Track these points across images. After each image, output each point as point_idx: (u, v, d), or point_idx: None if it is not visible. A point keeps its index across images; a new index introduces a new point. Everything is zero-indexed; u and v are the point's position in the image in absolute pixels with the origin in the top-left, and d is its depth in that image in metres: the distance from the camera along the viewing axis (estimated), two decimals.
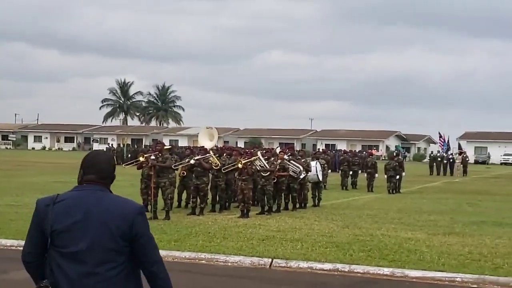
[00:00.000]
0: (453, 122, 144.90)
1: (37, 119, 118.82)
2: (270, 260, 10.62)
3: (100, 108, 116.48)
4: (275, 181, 17.50)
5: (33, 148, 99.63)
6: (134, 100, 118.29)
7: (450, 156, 47.88)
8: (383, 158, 65.91)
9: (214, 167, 17.37)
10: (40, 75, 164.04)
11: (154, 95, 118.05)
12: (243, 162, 16.39)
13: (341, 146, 75.72)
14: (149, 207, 16.10)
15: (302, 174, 18.80)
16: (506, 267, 10.39)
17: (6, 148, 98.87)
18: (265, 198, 17.42)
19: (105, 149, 56.38)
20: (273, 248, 11.59)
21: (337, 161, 38.82)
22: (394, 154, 30.18)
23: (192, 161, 16.87)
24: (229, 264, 10.59)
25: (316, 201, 20.24)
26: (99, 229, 3.29)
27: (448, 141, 48.97)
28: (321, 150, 37.85)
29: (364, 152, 44.87)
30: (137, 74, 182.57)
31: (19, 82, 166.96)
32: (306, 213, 17.91)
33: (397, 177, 26.86)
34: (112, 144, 66.42)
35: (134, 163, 17.64)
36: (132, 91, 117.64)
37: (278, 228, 14.21)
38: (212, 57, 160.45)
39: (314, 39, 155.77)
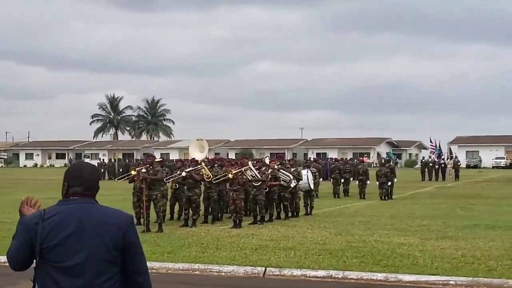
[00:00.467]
0: (444, 127, 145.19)
1: (28, 137, 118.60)
2: (263, 268, 10.63)
3: (90, 124, 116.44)
4: (266, 190, 17.51)
5: (24, 166, 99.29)
6: (124, 114, 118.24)
7: (442, 161, 48.04)
8: (374, 165, 66.03)
9: (206, 179, 17.37)
10: (30, 92, 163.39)
11: (144, 109, 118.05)
12: (233, 172, 16.41)
13: (332, 154, 75.82)
14: (141, 220, 16.10)
15: (293, 183, 18.81)
16: (500, 269, 10.42)
17: None
18: (257, 207, 17.41)
19: (96, 164, 56.32)
20: (267, 257, 11.59)
21: (328, 169, 38.89)
22: (385, 161, 30.25)
23: (183, 173, 16.87)
24: (223, 274, 10.58)
25: (309, 209, 20.24)
26: (94, 241, 3.27)
27: (439, 146, 49.15)
28: (312, 159, 37.94)
29: (356, 160, 44.95)
30: (126, 89, 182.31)
31: (9, 100, 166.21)
32: (299, 221, 17.91)
33: (389, 183, 26.90)
34: (103, 159, 66.32)
35: (126, 177, 17.64)
36: (122, 105, 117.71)
37: (271, 237, 14.21)
38: (201, 69, 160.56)
39: (302, 48, 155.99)
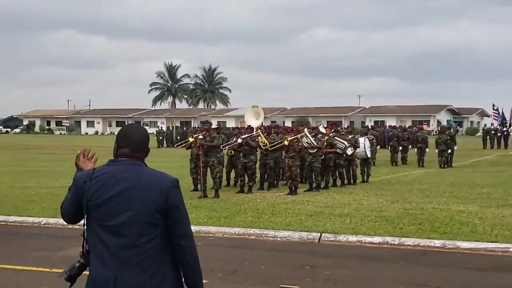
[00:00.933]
0: (508, 93, 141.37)
1: (89, 105, 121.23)
2: (318, 234, 10.64)
3: (149, 92, 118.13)
4: (322, 158, 17.44)
5: (86, 133, 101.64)
6: (181, 83, 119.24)
7: (505, 129, 46.77)
8: (434, 133, 64.87)
9: (263, 147, 17.41)
10: (89, 61, 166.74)
11: (201, 77, 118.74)
12: (289, 139, 16.39)
13: (390, 122, 74.75)
14: (198, 186, 16.32)
15: (350, 150, 18.67)
16: None
17: (61, 133, 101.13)
18: (313, 175, 17.38)
19: (155, 132, 57.10)
20: (322, 223, 11.59)
21: (386, 137, 38.40)
22: (445, 128, 29.66)
23: (239, 140, 16.94)
24: (278, 239, 10.65)
25: (365, 177, 20.12)
26: (137, 203, 3.33)
27: (502, 113, 47.87)
28: (369, 127, 37.51)
29: (414, 128, 44.21)
30: (183, 57, 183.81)
31: (69, 69, 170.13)
32: (355, 189, 17.82)
33: (449, 151, 26.41)
34: (161, 127, 67.15)
35: (184, 144, 17.85)
36: (179, 74, 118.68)
37: (327, 204, 14.19)
38: (257, 37, 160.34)
39: (360, 15, 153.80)
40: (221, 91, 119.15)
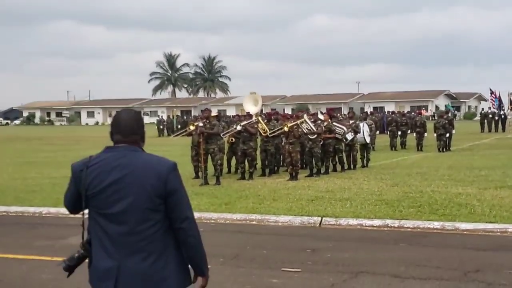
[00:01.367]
0: (505, 78, 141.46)
1: (89, 95, 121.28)
2: (319, 218, 10.77)
3: (148, 82, 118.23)
4: (322, 143, 17.54)
5: (86, 124, 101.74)
6: (181, 72, 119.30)
7: (502, 113, 46.84)
8: (432, 118, 64.93)
9: (263, 133, 17.51)
10: (89, 52, 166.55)
11: (201, 66, 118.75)
12: (289, 125, 16.49)
13: (389, 108, 74.85)
14: (199, 173, 16.44)
15: (350, 135, 18.79)
16: None
17: (61, 124, 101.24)
18: (313, 160, 17.49)
19: (155, 122, 57.13)
20: (323, 208, 11.71)
21: (385, 122, 38.47)
22: (443, 112, 29.75)
23: (238, 127, 17.02)
24: (280, 224, 10.77)
25: (365, 161, 20.23)
26: (135, 189, 3.29)
27: (499, 97, 47.84)
28: (368, 112, 37.59)
29: (413, 113, 44.24)
30: (183, 46, 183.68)
31: (69, 59, 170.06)
32: (355, 173, 17.93)
33: (447, 135, 26.52)
34: (162, 116, 67.22)
35: (183, 134, 17.99)
36: (179, 63, 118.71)
37: (327, 189, 14.30)
38: (256, 25, 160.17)
39: (358, 1, 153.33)
40: (220, 79, 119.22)
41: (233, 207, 12.05)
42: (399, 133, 29.26)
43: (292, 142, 16.59)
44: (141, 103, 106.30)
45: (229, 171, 18.82)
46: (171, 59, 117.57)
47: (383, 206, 11.76)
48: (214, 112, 17.80)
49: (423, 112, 62.01)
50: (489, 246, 8.83)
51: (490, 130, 45.06)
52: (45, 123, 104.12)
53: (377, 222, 10.41)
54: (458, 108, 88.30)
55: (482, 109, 56.61)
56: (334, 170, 18.62)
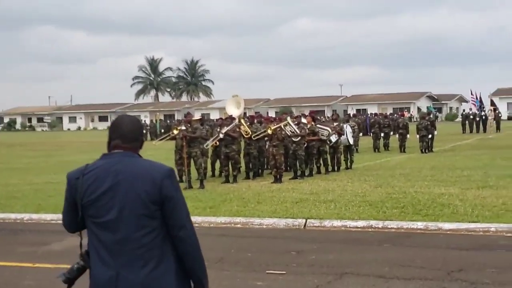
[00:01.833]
0: (485, 79, 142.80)
1: (71, 101, 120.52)
2: (304, 220, 10.79)
3: (131, 86, 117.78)
4: (305, 145, 17.58)
5: (68, 129, 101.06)
6: (164, 76, 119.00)
7: (483, 114, 47.22)
8: (414, 120, 65.29)
9: (245, 136, 17.52)
10: (71, 57, 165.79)
11: (184, 70, 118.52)
12: (272, 128, 16.52)
13: (372, 110, 75.10)
14: (184, 177, 16.42)
15: (335, 137, 18.86)
16: None
17: (42, 130, 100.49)
18: (297, 163, 17.53)
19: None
20: (307, 210, 11.74)
21: (368, 124, 38.65)
22: (425, 114, 29.95)
23: (221, 135, 16.93)
24: (264, 226, 10.78)
25: (349, 163, 20.31)
26: (129, 196, 3.20)
27: (480, 98, 48.23)
28: (351, 115, 37.75)
29: (395, 115, 44.48)
30: (165, 50, 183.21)
31: (51, 65, 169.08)
32: (339, 175, 18.00)
33: (430, 136, 26.71)
34: (145, 121, 67.00)
35: (167, 138, 18.00)
36: (161, 67, 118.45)
37: (311, 191, 14.34)
38: (239, 28, 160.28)
39: (341, 4, 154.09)
40: (204, 83, 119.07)
41: (217, 211, 12.04)
42: (382, 135, 29.41)
43: (276, 145, 16.61)
44: (124, 108, 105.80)
45: (213, 175, 18.81)
46: (153, 63, 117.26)
47: (367, 207, 11.81)
48: (197, 116, 17.80)
49: (405, 113, 62.28)
50: (472, 246, 8.90)
51: (471, 131, 45.41)
52: (27, 129, 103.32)
53: (361, 223, 10.45)
54: (439, 110, 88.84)
55: (464, 110, 56.94)
56: (318, 172, 18.66)
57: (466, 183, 14.80)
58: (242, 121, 18.00)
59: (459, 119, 56.04)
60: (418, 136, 26.74)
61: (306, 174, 17.80)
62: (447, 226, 9.99)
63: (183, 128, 16.19)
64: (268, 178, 17.48)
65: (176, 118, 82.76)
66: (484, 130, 45.35)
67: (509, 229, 9.63)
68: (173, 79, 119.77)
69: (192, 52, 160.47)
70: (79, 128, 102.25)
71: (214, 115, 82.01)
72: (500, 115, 48.82)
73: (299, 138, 17.20)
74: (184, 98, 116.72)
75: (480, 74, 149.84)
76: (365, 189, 14.42)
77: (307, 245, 9.16)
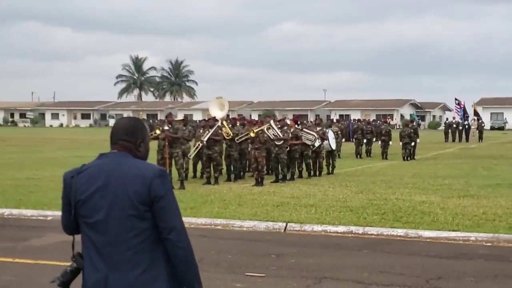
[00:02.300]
0: (469, 88, 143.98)
1: (54, 97, 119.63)
2: (284, 224, 10.78)
3: (115, 84, 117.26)
4: (288, 149, 17.58)
5: (50, 126, 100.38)
6: (148, 75, 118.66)
7: (466, 123, 47.55)
8: (397, 127, 65.65)
9: (226, 137, 17.49)
10: (54, 53, 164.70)
11: (168, 70, 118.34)
12: (255, 130, 16.51)
13: (355, 116, 75.42)
14: None
15: (318, 142, 18.87)
16: None
17: (24, 126, 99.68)
18: (279, 166, 17.52)
19: None
20: (288, 213, 11.72)
21: (351, 130, 38.77)
22: (408, 121, 30.12)
23: (204, 143, 16.83)
24: (244, 228, 10.75)
25: (330, 168, 20.33)
26: (118, 196, 3.15)
27: (464, 107, 48.60)
28: (335, 120, 37.84)
29: (378, 121, 44.65)
30: (150, 50, 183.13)
31: (34, 61, 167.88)
32: (321, 180, 18.01)
33: (412, 144, 26.84)
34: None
35: (150, 138, 17.90)
36: (145, 66, 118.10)
37: (292, 195, 14.34)
38: (224, 30, 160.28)
39: (326, 9, 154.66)
40: (187, 84, 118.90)
41: (198, 212, 11.99)
42: (365, 141, 29.52)
43: (258, 148, 16.61)
44: (107, 106, 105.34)
45: (194, 176, 18.76)
46: (137, 62, 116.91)
47: (348, 213, 11.82)
48: (180, 117, 17.73)
49: (388, 120, 62.60)
50: (451, 254, 8.93)
51: (454, 140, 45.71)
52: (9, 124, 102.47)
53: (341, 229, 10.45)
54: (423, 118, 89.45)
55: (447, 118, 57.36)
56: (300, 176, 18.68)
57: (447, 192, 14.87)
58: (224, 123, 17.97)
59: (442, 127, 56.40)
60: (400, 143, 26.86)
61: (288, 178, 17.80)
62: (427, 234, 10.03)
63: (166, 128, 16.14)
64: (249, 180, 17.46)
65: (159, 118, 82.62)
66: (467, 139, 45.69)
67: (489, 239, 9.68)
68: (157, 79, 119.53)
69: (177, 52, 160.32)
70: (61, 125, 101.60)
71: (197, 116, 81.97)
72: (483, 125, 49.23)
73: (282, 141, 17.19)
74: (168, 98, 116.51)
75: (464, 83, 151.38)
76: (346, 194, 14.44)
77: (287, 249, 9.15)
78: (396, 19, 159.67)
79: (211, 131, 16.84)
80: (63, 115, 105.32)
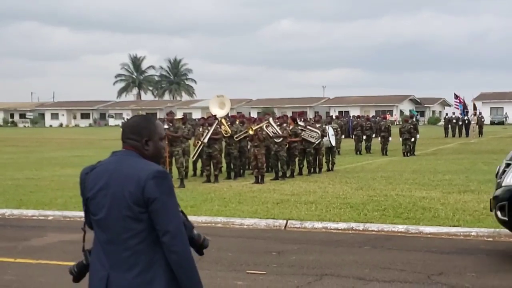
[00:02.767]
0: (468, 83, 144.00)
1: (53, 97, 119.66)
2: (285, 221, 10.77)
3: (114, 84, 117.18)
4: (287, 147, 17.57)
5: (50, 126, 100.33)
6: (146, 74, 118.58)
7: (466, 118, 47.49)
8: (397, 123, 65.60)
9: (225, 135, 17.47)
10: (53, 53, 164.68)
11: (166, 69, 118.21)
12: (253, 128, 16.51)
13: (355, 112, 75.25)
14: None
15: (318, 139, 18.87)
16: None
17: (24, 126, 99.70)
18: (279, 164, 17.51)
19: (120, 124, 56.61)
20: (288, 211, 11.71)
21: (350, 126, 38.74)
22: (408, 117, 30.10)
23: (205, 142, 16.79)
24: (245, 226, 10.74)
25: (330, 165, 20.33)
26: (116, 196, 3.15)
27: (464, 102, 48.53)
28: (334, 117, 37.85)
29: (378, 118, 44.59)
30: (148, 49, 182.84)
31: (33, 61, 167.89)
32: (320, 177, 18.00)
33: (412, 139, 26.83)
34: (127, 119, 66.65)
35: None
36: (144, 65, 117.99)
37: (293, 192, 14.33)
38: (222, 28, 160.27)
39: (324, 6, 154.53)
40: (186, 82, 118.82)
41: (198, 210, 11.98)
42: (364, 137, 29.49)
43: (258, 145, 16.59)
44: (106, 105, 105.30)
45: (194, 174, 18.76)
46: (136, 61, 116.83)
47: (348, 209, 11.81)
48: (179, 115, 17.71)
49: (388, 116, 62.56)
50: (452, 249, 8.91)
51: (454, 135, 45.68)
52: (8, 124, 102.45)
53: (342, 225, 10.44)
54: (422, 113, 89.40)
55: (446, 114, 57.27)
56: (300, 173, 18.67)
57: (448, 187, 14.86)
58: (223, 120, 17.96)
59: (442, 123, 56.34)
60: (400, 139, 26.85)
61: (288, 175, 17.79)
62: (428, 229, 10.01)
63: (166, 127, 16.12)
64: (249, 178, 17.45)
65: (158, 117, 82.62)
66: (467, 135, 45.66)
67: (490, 234, 9.67)
68: (156, 78, 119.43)
69: (175, 51, 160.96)
70: (61, 125, 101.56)
71: (196, 115, 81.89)
72: (483, 119, 49.20)
73: (281, 139, 17.18)
74: (167, 97, 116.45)
75: (463, 78, 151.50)
76: (346, 191, 14.43)
77: (287, 246, 9.14)
78: (393, 15, 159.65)
79: (211, 129, 16.81)
80: (63, 115, 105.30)
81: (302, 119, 19.72)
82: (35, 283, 7.26)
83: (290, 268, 7.82)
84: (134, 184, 3.12)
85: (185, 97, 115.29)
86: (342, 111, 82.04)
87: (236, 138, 17.53)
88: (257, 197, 13.60)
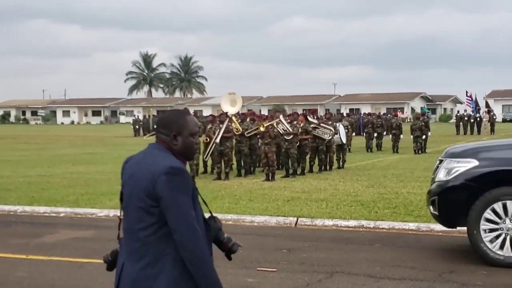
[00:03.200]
0: (480, 80, 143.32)
1: (65, 94, 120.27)
2: (295, 219, 10.78)
3: (125, 81, 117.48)
4: (298, 144, 17.57)
5: (62, 123, 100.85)
6: (157, 72, 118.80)
7: (478, 115, 47.28)
8: (408, 121, 65.39)
9: (236, 132, 17.49)
10: (64, 51, 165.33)
11: (177, 66, 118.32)
12: (264, 125, 16.52)
13: (366, 109, 75.19)
14: None
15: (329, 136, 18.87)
16: None
17: (36, 123, 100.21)
18: (289, 161, 17.52)
19: (131, 121, 56.73)
20: (298, 208, 11.73)
21: (361, 124, 38.68)
22: (419, 114, 30.01)
23: (217, 140, 16.82)
24: (255, 223, 10.77)
25: (341, 163, 20.32)
26: (135, 187, 3.20)
27: (475, 99, 48.31)
28: (345, 114, 37.79)
29: (389, 115, 44.50)
30: (159, 46, 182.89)
31: (44, 58, 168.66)
32: (331, 175, 18.00)
33: (423, 137, 26.75)
34: (138, 116, 66.80)
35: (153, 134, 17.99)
36: (155, 63, 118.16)
37: (303, 190, 14.33)
38: (233, 25, 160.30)
39: (335, 3, 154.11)
40: (197, 80, 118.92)
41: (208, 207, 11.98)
42: (375, 134, 29.44)
43: (268, 143, 16.60)
44: (117, 103, 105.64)
45: (205, 171, 18.79)
46: (147, 59, 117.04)
47: (359, 207, 11.81)
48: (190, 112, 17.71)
49: (399, 114, 62.39)
50: (463, 247, 8.88)
51: (465, 133, 45.51)
52: (20, 122, 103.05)
53: (352, 223, 10.44)
54: (433, 111, 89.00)
55: (458, 111, 57.12)
56: (311, 170, 18.67)
57: None
58: (233, 118, 17.96)
59: (453, 120, 56.12)
60: (411, 136, 26.78)
61: (298, 172, 17.80)
62: (439, 227, 9.95)
63: None
64: (260, 176, 17.47)
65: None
66: (478, 132, 45.45)
67: None
68: (167, 75, 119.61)
69: (186, 48, 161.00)
70: (72, 122, 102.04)
71: (207, 112, 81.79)
72: (494, 117, 48.98)
73: (292, 136, 17.18)
74: (177, 94, 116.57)
75: (475, 75, 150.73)
76: (357, 188, 14.42)
77: (298, 243, 9.15)
78: (405, 12, 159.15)
79: (222, 127, 16.83)
80: (74, 112, 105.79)
81: (315, 117, 19.69)
82: (47, 279, 7.32)
83: (301, 266, 7.83)
84: (149, 178, 3.16)
85: (195, 94, 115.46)
86: (353, 109, 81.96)
87: (247, 134, 17.54)
88: (267, 194, 13.62)
